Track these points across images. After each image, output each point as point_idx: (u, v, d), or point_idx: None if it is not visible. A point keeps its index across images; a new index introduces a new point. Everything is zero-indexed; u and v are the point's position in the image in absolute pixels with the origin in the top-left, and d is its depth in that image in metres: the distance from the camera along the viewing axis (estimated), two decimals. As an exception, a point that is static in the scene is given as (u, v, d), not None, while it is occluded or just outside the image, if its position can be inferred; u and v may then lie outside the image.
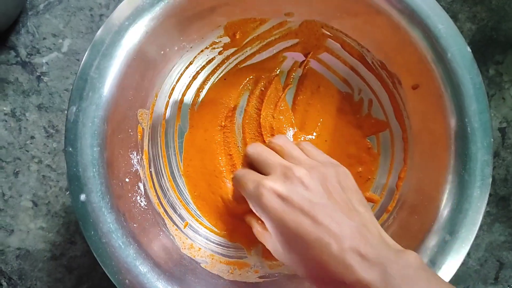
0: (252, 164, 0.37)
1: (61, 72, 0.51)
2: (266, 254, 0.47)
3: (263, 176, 0.35)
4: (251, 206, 0.35)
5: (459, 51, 0.37)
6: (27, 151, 0.51)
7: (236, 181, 0.37)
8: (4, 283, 0.50)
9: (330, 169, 0.34)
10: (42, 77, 0.51)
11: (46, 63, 0.51)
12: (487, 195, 0.36)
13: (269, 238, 0.37)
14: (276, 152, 0.37)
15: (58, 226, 0.51)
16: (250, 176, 0.35)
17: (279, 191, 0.32)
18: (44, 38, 0.51)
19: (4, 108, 0.51)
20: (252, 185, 0.34)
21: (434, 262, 0.36)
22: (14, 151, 0.51)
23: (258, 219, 0.40)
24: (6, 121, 0.51)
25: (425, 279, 0.27)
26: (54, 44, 0.51)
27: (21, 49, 0.51)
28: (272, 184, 0.32)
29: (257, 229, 0.40)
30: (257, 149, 0.37)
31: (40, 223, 0.50)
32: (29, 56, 0.51)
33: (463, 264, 0.36)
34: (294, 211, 0.31)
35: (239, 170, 0.38)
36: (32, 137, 0.51)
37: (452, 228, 0.37)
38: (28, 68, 0.51)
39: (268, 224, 0.33)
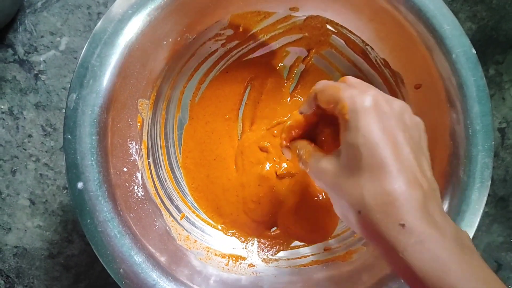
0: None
1: (58, 70, 0.51)
2: (261, 248, 0.47)
3: None
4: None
5: (464, 52, 0.37)
6: (25, 149, 0.50)
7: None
8: (2, 281, 0.50)
9: None
10: (39, 75, 0.51)
11: (44, 61, 0.51)
12: (486, 198, 0.37)
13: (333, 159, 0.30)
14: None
15: (56, 225, 0.50)
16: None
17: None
18: (42, 36, 0.51)
19: (2, 107, 0.50)
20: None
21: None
22: (12, 149, 0.50)
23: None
24: (3, 119, 0.50)
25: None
26: (51, 42, 0.51)
27: (19, 47, 0.51)
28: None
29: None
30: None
31: (37, 221, 0.50)
32: (26, 54, 0.51)
33: (459, 265, 0.36)
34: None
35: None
36: (30, 136, 0.51)
37: (449, 229, 0.36)
38: (26, 66, 0.51)
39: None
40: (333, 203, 0.31)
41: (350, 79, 0.32)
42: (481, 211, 0.36)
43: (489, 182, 0.37)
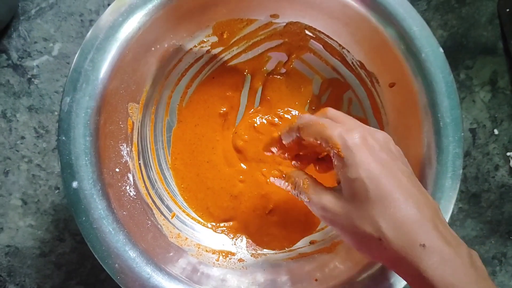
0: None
1: (51, 74, 0.52)
2: (249, 243, 0.48)
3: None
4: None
5: (432, 51, 0.40)
6: (17, 151, 0.51)
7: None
8: (-7, 281, 0.51)
9: None
10: (33, 79, 0.52)
11: (37, 66, 0.52)
12: (458, 185, 0.39)
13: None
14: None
15: (47, 224, 0.51)
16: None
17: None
18: (35, 42, 0.52)
19: (-5, 110, 0.52)
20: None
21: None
22: (5, 151, 0.51)
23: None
24: (-3, 122, 0.52)
25: None
26: (45, 47, 0.52)
27: (13, 52, 0.52)
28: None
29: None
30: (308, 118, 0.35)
31: (29, 221, 0.51)
32: (20, 59, 0.52)
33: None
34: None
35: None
36: (23, 137, 0.52)
37: (426, 216, 0.39)
38: (19, 71, 0.52)
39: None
40: (345, 237, 0.32)
41: (330, 112, 0.35)
42: (455, 198, 0.39)
43: (461, 171, 0.39)
